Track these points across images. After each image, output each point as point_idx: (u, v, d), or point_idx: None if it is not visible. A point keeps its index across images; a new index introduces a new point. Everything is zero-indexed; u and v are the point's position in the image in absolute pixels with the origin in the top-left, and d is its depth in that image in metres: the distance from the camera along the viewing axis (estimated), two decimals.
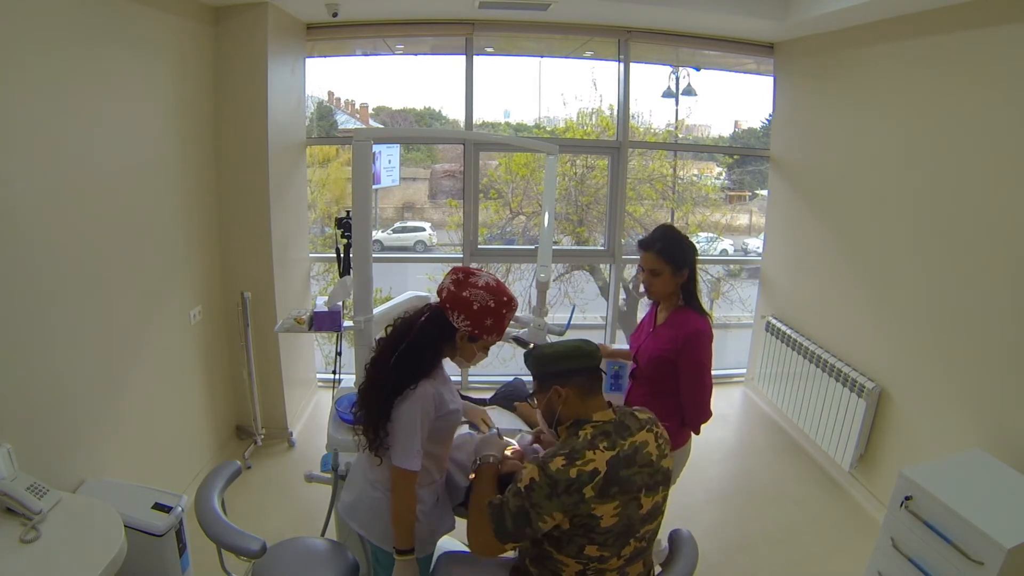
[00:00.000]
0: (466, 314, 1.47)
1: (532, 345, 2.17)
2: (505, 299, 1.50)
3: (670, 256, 1.97)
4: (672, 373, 1.98)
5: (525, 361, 1.56)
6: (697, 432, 2.08)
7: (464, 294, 1.47)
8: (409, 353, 1.48)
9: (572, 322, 2.35)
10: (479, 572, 1.62)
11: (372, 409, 1.50)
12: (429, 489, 1.60)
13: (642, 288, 2.08)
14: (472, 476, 1.64)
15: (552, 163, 2.42)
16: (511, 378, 2.32)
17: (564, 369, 1.47)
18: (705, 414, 2.01)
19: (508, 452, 1.70)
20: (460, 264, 4.04)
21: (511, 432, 1.90)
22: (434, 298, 1.59)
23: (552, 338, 2.23)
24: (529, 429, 1.98)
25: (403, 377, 1.47)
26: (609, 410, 1.46)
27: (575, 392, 1.45)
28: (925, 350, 2.68)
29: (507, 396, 2.18)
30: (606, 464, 1.33)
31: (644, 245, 2.01)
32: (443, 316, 1.50)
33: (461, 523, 1.77)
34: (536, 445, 1.79)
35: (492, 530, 1.37)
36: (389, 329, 1.56)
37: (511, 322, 1.62)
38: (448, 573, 1.62)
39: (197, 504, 1.73)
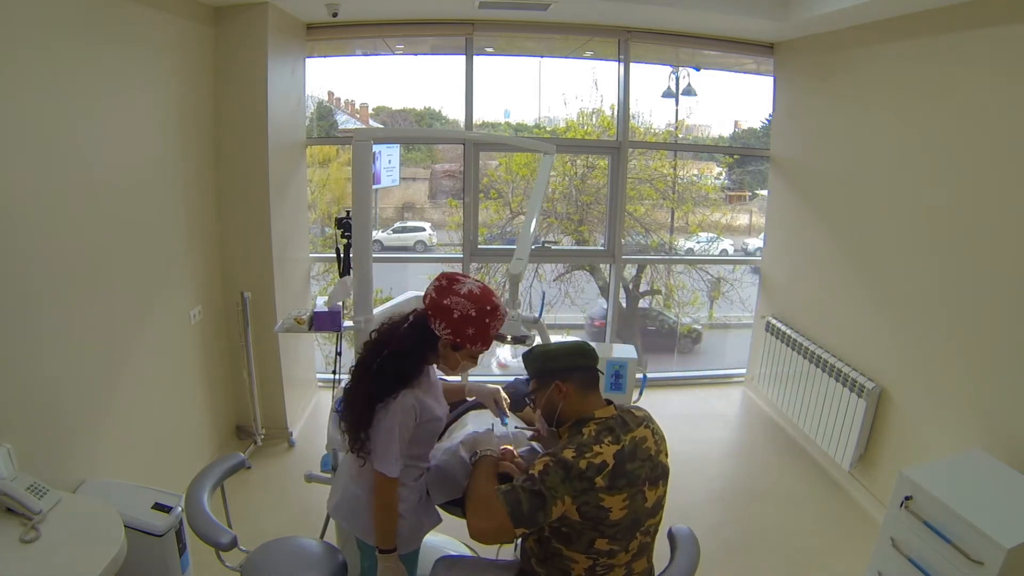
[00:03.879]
0: (447, 322, 1.44)
1: (528, 344, 2.14)
2: (488, 308, 1.45)
3: None
4: None
5: (524, 360, 1.56)
6: None
7: (445, 302, 1.44)
8: (391, 360, 1.46)
9: (568, 323, 2.34)
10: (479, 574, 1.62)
11: (355, 413, 1.49)
12: (413, 487, 1.60)
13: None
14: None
15: (548, 162, 2.41)
16: (511, 379, 2.31)
17: (565, 366, 1.48)
18: None
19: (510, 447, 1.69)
20: (460, 264, 4.05)
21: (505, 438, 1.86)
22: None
23: (524, 327, 2.19)
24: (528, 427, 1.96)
25: (385, 385, 1.46)
26: (610, 407, 1.48)
27: (576, 388, 1.47)
28: (925, 350, 2.67)
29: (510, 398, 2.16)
30: (613, 457, 1.36)
31: None
32: (426, 323, 1.47)
33: (452, 519, 1.77)
34: (534, 444, 1.78)
35: (506, 513, 1.33)
36: (374, 334, 1.54)
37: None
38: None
39: (189, 491, 1.74)
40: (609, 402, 1.51)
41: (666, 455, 1.52)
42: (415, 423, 1.49)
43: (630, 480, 1.38)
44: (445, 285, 1.47)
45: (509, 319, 2.15)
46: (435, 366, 1.60)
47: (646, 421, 1.50)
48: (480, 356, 1.55)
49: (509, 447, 1.70)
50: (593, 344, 1.61)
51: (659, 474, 1.46)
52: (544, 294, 2.67)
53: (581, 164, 5.54)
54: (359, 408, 1.48)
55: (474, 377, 4.29)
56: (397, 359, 1.47)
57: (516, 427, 1.95)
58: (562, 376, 1.47)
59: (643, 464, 1.41)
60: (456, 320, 1.44)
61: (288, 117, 3.38)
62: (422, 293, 2.41)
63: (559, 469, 1.33)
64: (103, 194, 2.19)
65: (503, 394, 1.75)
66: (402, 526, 1.56)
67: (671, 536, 1.68)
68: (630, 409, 1.52)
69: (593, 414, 1.45)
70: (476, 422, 1.88)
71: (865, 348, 3.05)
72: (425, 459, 1.64)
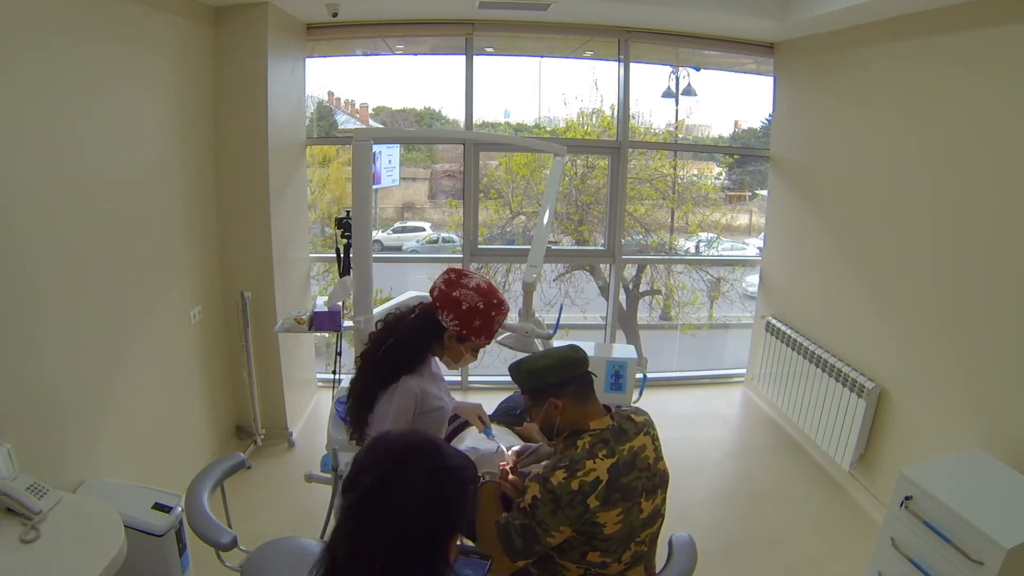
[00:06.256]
0: (455, 314, 1.48)
1: (519, 356, 2.06)
2: (495, 302, 1.50)
3: None
4: None
5: (512, 375, 1.52)
6: None
7: (454, 294, 1.48)
8: (395, 348, 1.51)
9: (567, 323, 2.28)
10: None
11: (358, 399, 1.54)
12: None
13: None
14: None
15: (559, 164, 2.38)
16: (511, 392, 2.28)
17: (557, 380, 1.44)
18: None
19: (505, 466, 1.69)
20: (460, 264, 4.05)
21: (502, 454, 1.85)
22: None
23: (539, 344, 2.11)
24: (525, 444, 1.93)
25: (388, 371, 1.50)
26: (607, 416, 1.45)
27: (571, 401, 1.43)
28: (925, 350, 2.67)
29: (508, 412, 2.12)
30: (607, 472, 1.33)
31: None
32: (433, 314, 1.52)
33: None
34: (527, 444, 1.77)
35: (502, 550, 1.36)
36: (380, 325, 1.59)
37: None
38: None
39: (189, 491, 1.74)
40: (608, 408, 1.47)
41: (664, 461, 1.49)
42: (416, 410, 1.51)
43: (625, 494, 1.35)
44: (454, 279, 1.51)
45: (521, 333, 2.12)
46: (438, 360, 1.63)
47: (646, 427, 1.46)
48: (480, 350, 1.59)
49: (505, 465, 1.69)
50: (591, 344, 1.60)
51: (657, 483, 1.44)
52: (562, 307, 2.59)
53: (581, 164, 5.54)
54: (361, 393, 1.52)
55: (475, 377, 4.30)
56: (401, 347, 1.51)
57: (508, 446, 1.92)
58: (555, 392, 1.43)
59: (641, 475, 1.38)
60: (464, 312, 1.47)
61: (288, 117, 3.38)
62: (423, 293, 2.42)
63: (549, 501, 1.31)
64: (103, 194, 2.18)
65: (484, 409, 1.81)
66: None
67: (669, 543, 1.67)
68: (630, 415, 1.48)
69: (588, 425, 1.41)
70: (475, 437, 1.88)
71: (865, 348, 3.05)
72: None
